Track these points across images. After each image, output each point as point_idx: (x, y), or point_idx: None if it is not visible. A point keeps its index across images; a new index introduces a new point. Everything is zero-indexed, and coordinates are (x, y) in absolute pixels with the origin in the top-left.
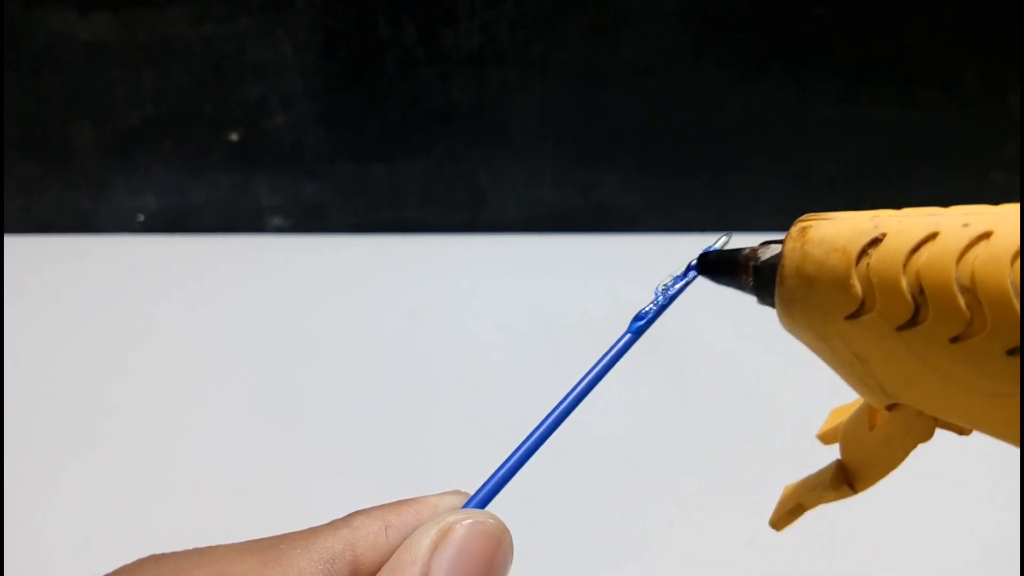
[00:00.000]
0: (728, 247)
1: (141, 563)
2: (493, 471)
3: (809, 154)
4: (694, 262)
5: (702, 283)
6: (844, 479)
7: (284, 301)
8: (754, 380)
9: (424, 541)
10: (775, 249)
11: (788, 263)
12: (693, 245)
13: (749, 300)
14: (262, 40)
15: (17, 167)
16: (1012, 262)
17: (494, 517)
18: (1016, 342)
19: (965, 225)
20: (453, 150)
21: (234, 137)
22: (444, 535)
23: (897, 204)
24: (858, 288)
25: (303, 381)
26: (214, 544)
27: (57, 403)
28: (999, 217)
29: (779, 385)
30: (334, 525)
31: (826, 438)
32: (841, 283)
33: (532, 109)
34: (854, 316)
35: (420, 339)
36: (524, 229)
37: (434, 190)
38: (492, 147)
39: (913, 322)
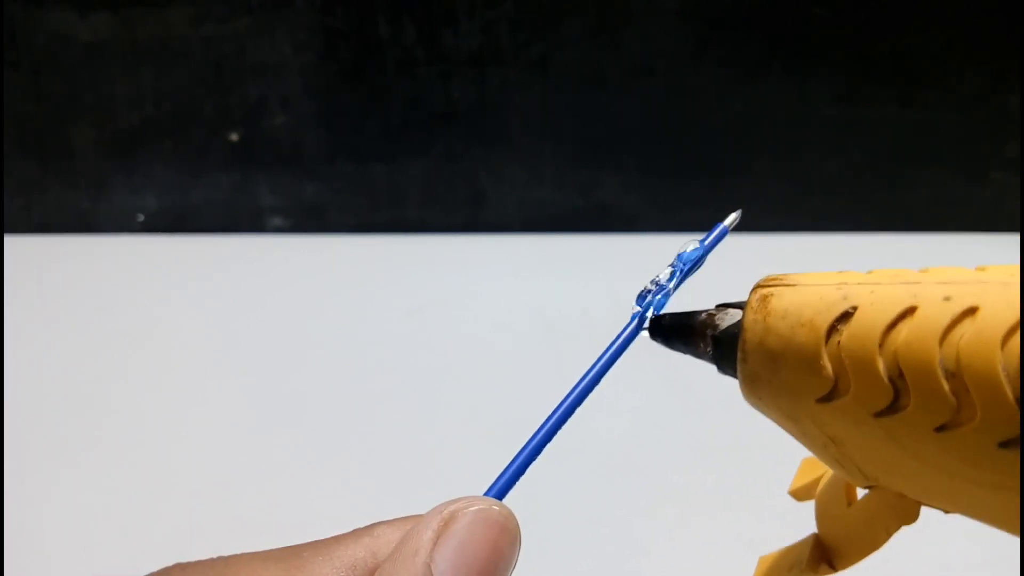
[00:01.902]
0: (681, 310)
1: (167, 571)
2: (505, 466)
3: (809, 154)
4: (686, 252)
5: (702, 280)
6: (823, 557)
7: (284, 301)
8: None
9: (426, 532)
10: (735, 315)
11: (750, 337)
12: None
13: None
14: (262, 40)
15: (17, 167)
16: (1003, 343)
17: (499, 504)
18: (1011, 433)
19: (946, 299)
20: (453, 150)
21: (234, 137)
22: (447, 524)
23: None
24: (829, 369)
25: (303, 381)
26: (213, 544)
27: (57, 403)
28: (983, 288)
29: None
30: (356, 534)
31: (798, 495)
32: (810, 363)
33: (532, 109)
34: (826, 400)
35: (420, 339)
36: (524, 229)
37: (434, 190)
38: (492, 147)
39: (893, 408)
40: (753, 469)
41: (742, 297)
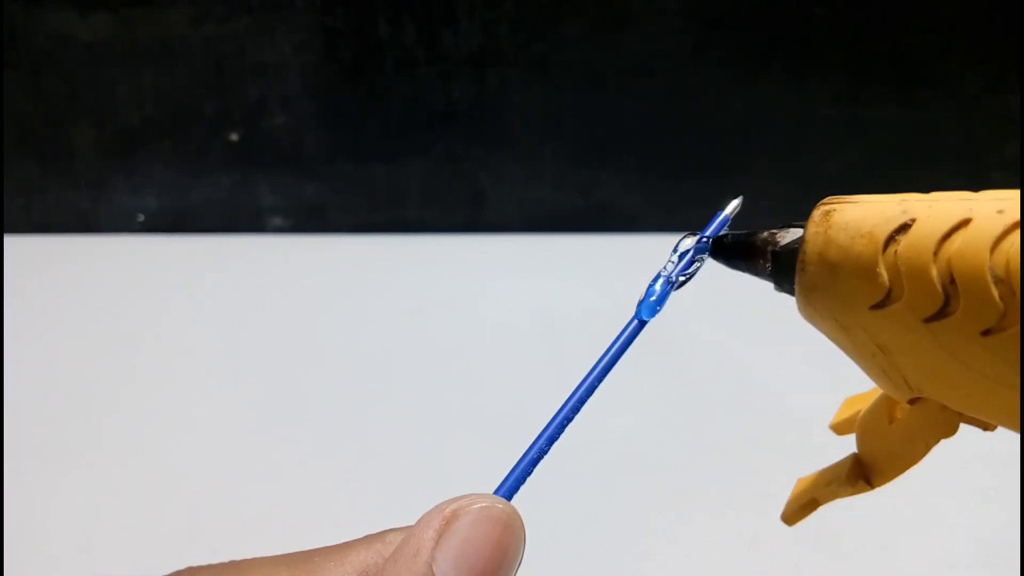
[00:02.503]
0: (743, 231)
1: (178, 575)
2: (508, 465)
3: (809, 154)
4: (702, 242)
5: (704, 279)
6: (861, 474)
7: (284, 301)
8: (756, 379)
9: (427, 531)
10: (795, 233)
11: (810, 249)
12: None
13: (750, 298)
14: (262, 40)
15: (17, 167)
16: None
17: (502, 501)
18: None
19: (1000, 212)
20: (453, 150)
21: (234, 137)
22: (449, 522)
23: None
24: (885, 277)
25: (303, 381)
26: (212, 544)
27: (57, 403)
28: None
29: (781, 384)
30: (368, 539)
31: (839, 428)
32: (867, 271)
33: (532, 109)
34: (879, 306)
35: (420, 339)
36: (524, 229)
37: (434, 190)
38: (492, 147)
39: (942, 313)
40: (755, 467)
41: (743, 299)
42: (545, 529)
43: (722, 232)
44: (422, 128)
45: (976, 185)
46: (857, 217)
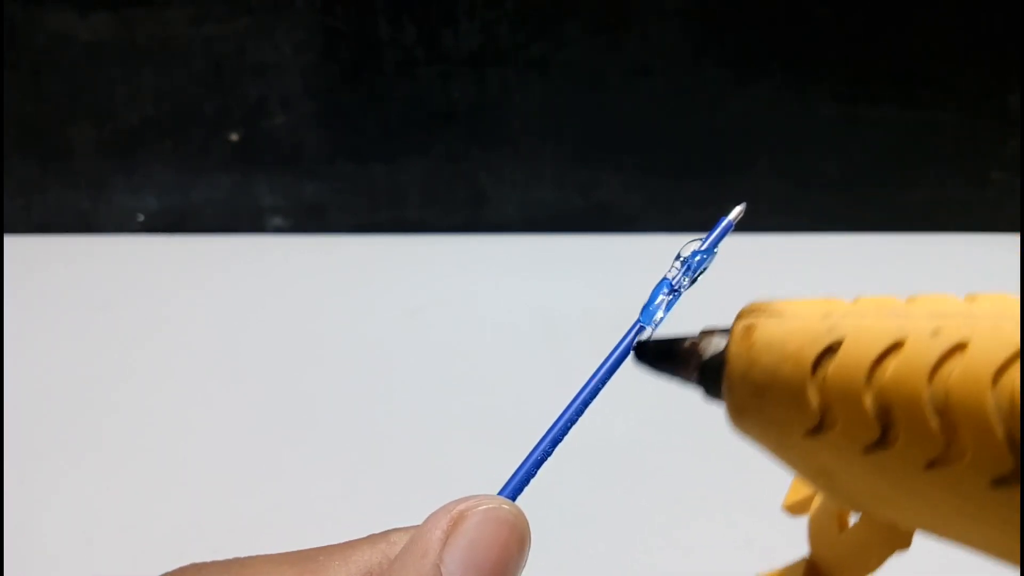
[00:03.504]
0: (666, 337)
1: (183, 571)
2: (509, 466)
3: (809, 154)
4: (705, 248)
5: (705, 279)
6: None
7: (284, 301)
8: None
9: (435, 531)
10: (719, 343)
11: (734, 369)
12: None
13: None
14: (262, 40)
15: (17, 167)
16: (994, 381)
17: (508, 502)
18: (1002, 471)
19: (935, 333)
20: (453, 150)
21: (234, 137)
22: (456, 523)
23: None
24: (815, 403)
25: (303, 381)
26: (211, 544)
27: (57, 403)
28: (973, 322)
29: None
30: (372, 539)
31: (793, 510)
32: (796, 397)
33: (532, 109)
34: (814, 432)
35: (420, 339)
36: (524, 229)
37: (434, 190)
38: (492, 147)
39: (882, 444)
40: (753, 471)
41: (743, 301)
42: (545, 531)
43: (644, 337)
44: (422, 128)
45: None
46: (780, 336)
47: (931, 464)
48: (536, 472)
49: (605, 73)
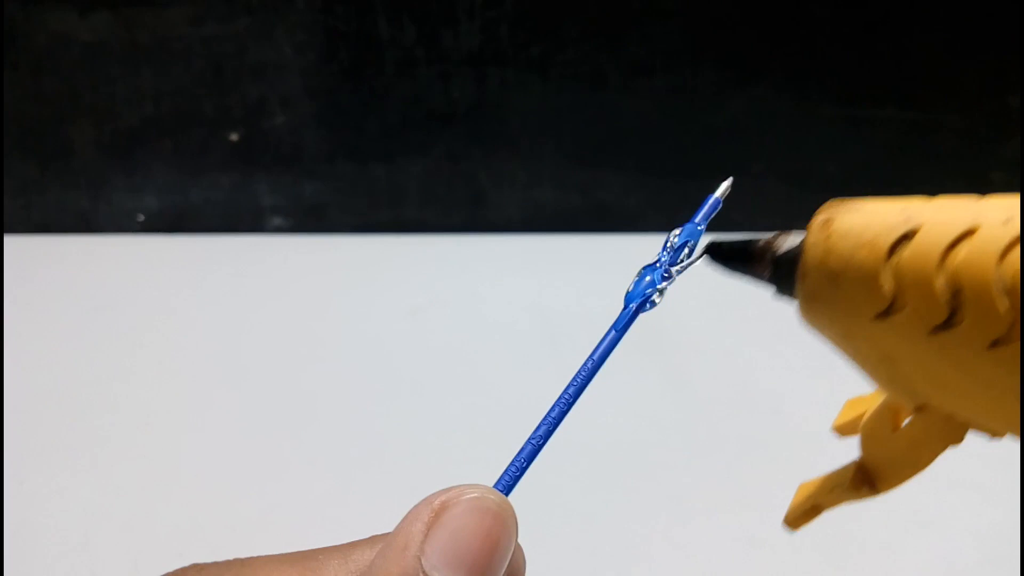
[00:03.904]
0: (742, 238)
1: (184, 572)
2: (506, 464)
3: (809, 154)
4: (693, 225)
5: (704, 280)
6: (865, 480)
7: (284, 301)
8: (754, 379)
9: (416, 524)
10: (795, 240)
11: (810, 258)
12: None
13: (750, 299)
14: (262, 40)
15: (17, 167)
16: None
17: (493, 492)
18: None
19: (1006, 221)
20: (453, 150)
21: (234, 137)
22: (438, 514)
23: None
24: (888, 287)
25: (303, 381)
26: (210, 544)
27: (57, 403)
28: None
29: (780, 385)
30: (373, 540)
31: (843, 431)
32: (869, 281)
33: (532, 109)
34: (883, 316)
35: (420, 339)
36: (524, 229)
37: (434, 190)
38: (492, 147)
39: (948, 324)
40: (753, 467)
41: (743, 300)
42: (542, 529)
43: (721, 240)
44: (422, 128)
45: (976, 185)
46: (859, 225)
47: (994, 343)
48: (528, 466)
49: (605, 73)
